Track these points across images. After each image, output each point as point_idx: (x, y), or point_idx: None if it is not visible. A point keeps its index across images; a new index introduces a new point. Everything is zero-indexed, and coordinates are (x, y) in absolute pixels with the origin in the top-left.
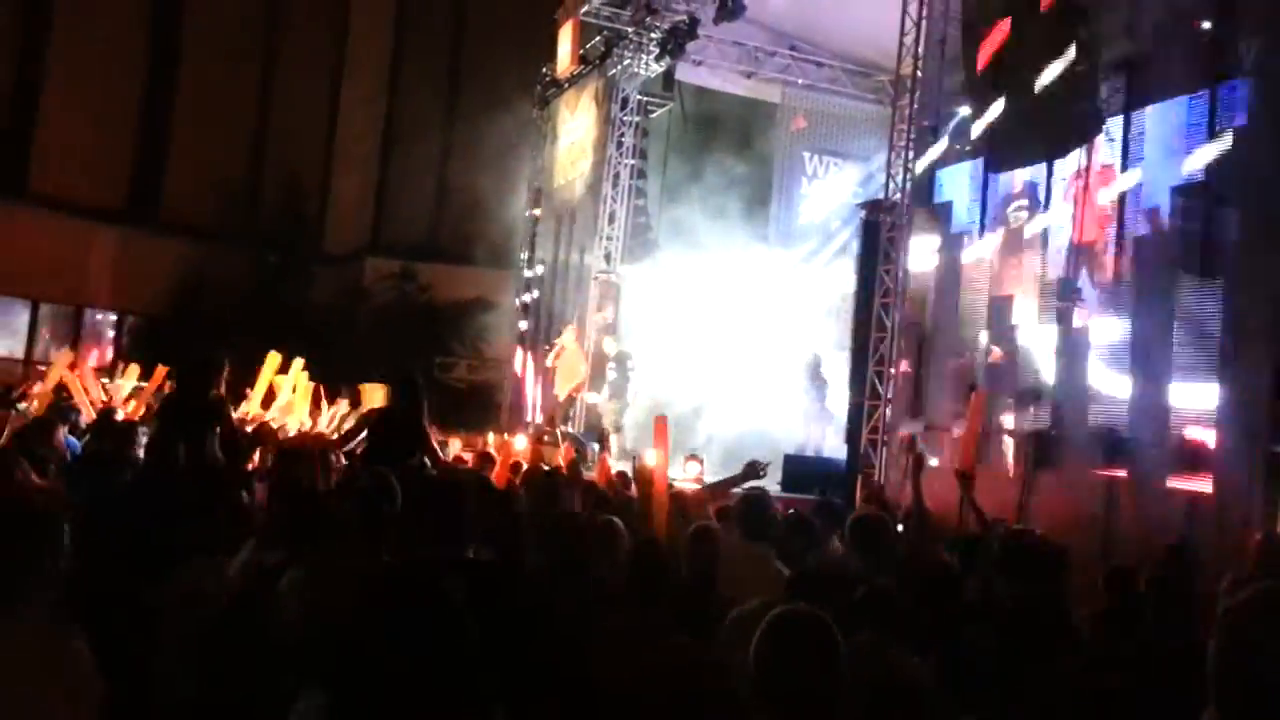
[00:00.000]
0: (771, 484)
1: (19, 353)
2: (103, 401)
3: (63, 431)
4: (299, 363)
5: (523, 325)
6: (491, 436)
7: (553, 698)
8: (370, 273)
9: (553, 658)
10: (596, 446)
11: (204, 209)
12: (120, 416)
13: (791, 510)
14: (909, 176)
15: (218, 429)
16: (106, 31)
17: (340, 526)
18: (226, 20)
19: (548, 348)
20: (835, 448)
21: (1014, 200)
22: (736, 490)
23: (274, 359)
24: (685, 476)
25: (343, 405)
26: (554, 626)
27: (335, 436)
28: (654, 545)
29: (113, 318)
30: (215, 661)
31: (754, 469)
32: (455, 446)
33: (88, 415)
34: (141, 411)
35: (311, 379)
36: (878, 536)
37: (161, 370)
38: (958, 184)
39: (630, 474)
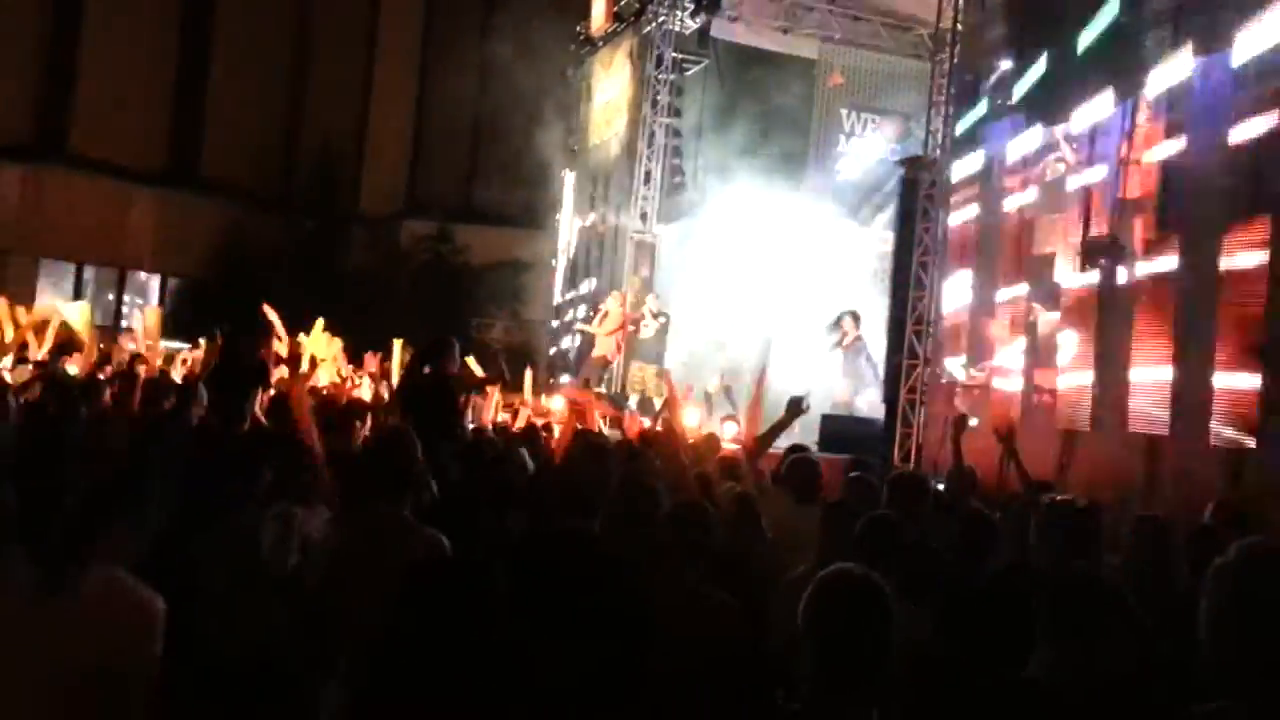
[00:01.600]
0: (810, 443)
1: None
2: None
3: None
4: (320, 324)
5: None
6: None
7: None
8: (406, 235)
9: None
10: (633, 405)
11: (242, 172)
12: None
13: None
14: (949, 132)
15: (259, 391)
16: None
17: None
18: None
19: (592, 313)
20: (875, 405)
21: (1052, 153)
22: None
23: (319, 327)
24: (725, 438)
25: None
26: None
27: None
28: (691, 506)
29: (156, 280)
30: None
31: (797, 406)
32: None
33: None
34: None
35: (349, 342)
36: (917, 495)
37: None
38: (999, 139)
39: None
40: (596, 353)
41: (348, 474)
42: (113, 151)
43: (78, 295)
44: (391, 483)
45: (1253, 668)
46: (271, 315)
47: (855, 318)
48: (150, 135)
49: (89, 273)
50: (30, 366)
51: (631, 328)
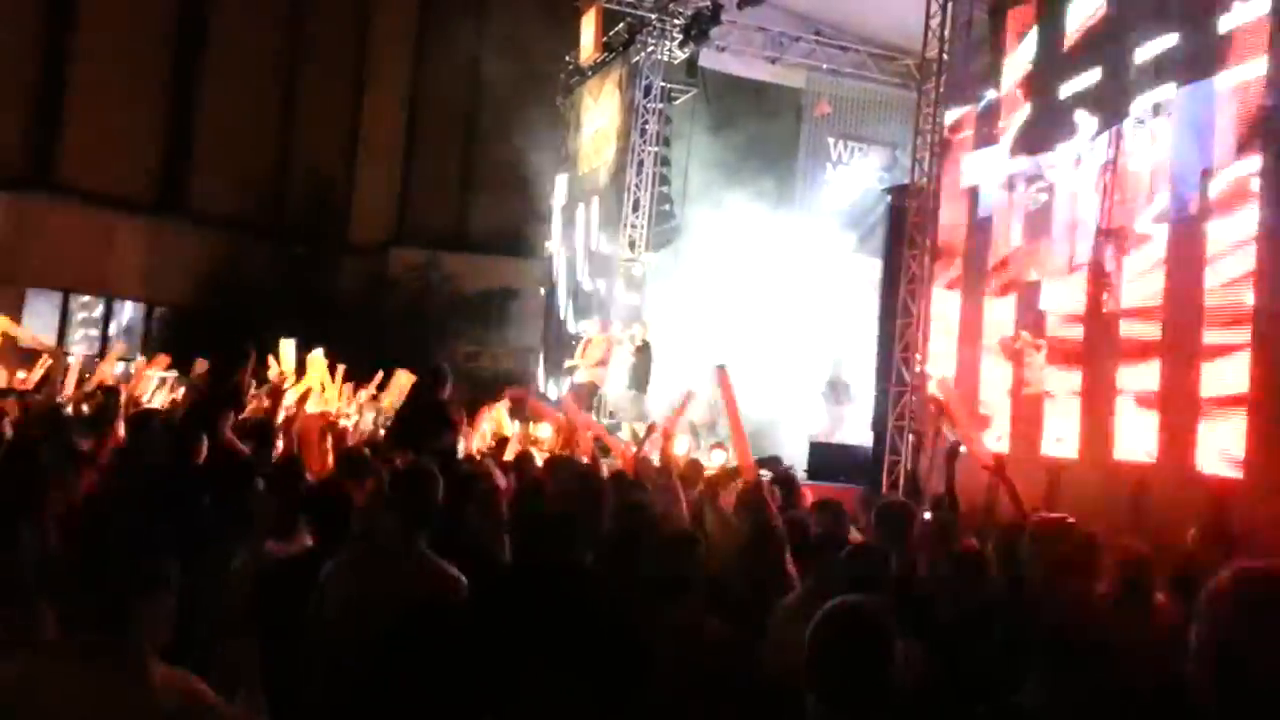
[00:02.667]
0: (798, 472)
1: (50, 343)
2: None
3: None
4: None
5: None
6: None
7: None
8: (396, 263)
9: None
10: (624, 436)
11: (231, 200)
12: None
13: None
14: (935, 161)
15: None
16: (133, 22)
17: (375, 518)
18: (252, 11)
19: (574, 340)
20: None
21: (1034, 183)
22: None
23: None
24: (712, 465)
25: (363, 394)
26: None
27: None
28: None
29: (141, 309)
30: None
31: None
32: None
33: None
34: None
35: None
36: (904, 524)
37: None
38: (986, 167)
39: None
40: (581, 379)
41: (361, 508)
42: (101, 180)
43: (64, 325)
44: (413, 519)
45: (1244, 691)
46: (288, 353)
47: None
48: (138, 164)
49: (75, 302)
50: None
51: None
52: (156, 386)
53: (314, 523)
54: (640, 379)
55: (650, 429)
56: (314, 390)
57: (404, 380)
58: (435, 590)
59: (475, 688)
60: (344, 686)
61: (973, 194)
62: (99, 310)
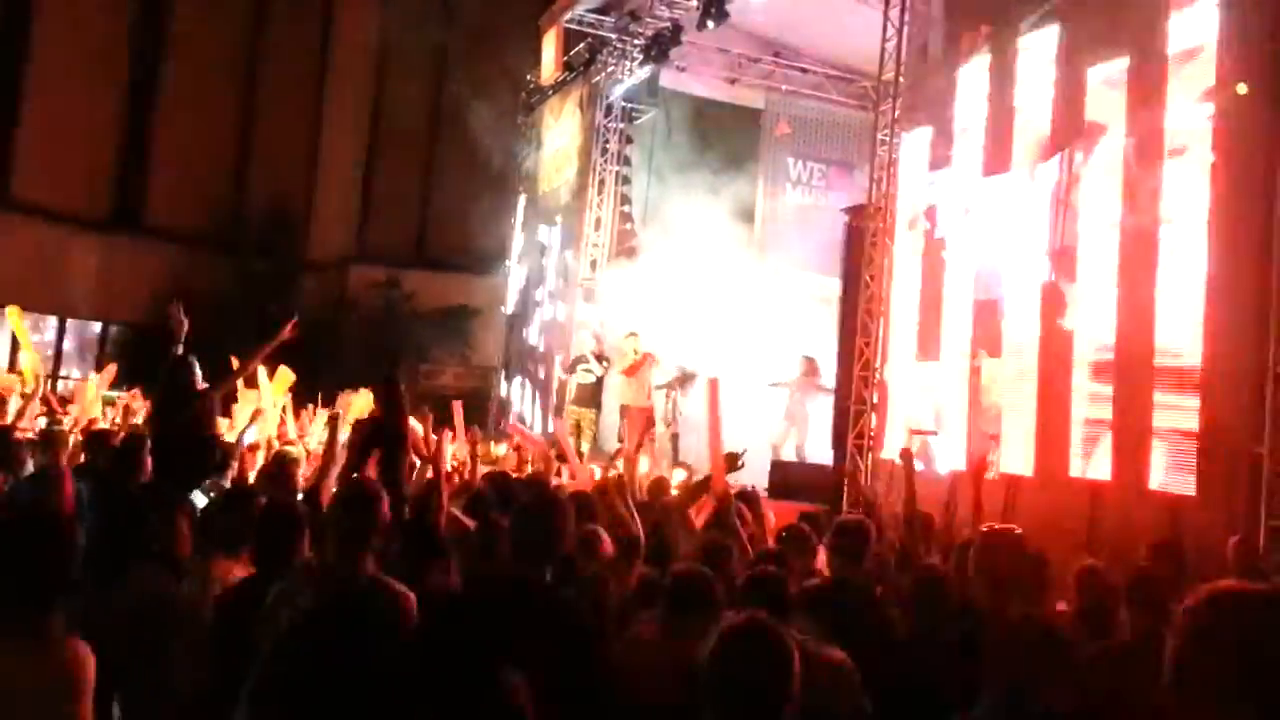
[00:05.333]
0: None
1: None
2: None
3: None
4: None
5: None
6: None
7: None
8: (355, 280)
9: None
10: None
11: (187, 216)
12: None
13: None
14: (892, 181)
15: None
16: (88, 37)
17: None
18: (210, 26)
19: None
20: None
21: (989, 204)
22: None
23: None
24: (674, 483)
25: (322, 415)
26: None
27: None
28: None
29: (96, 327)
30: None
31: (732, 461)
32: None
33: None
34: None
35: (297, 388)
36: (861, 542)
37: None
38: (942, 188)
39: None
40: (627, 400)
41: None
42: (54, 196)
43: (15, 342)
44: (353, 539)
45: (1220, 704)
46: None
47: (812, 363)
48: (93, 179)
49: (27, 320)
50: None
51: (567, 376)
52: (105, 405)
53: (258, 546)
54: (598, 397)
55: (617, 454)
56: (266, 410)
57: (361, 401)
58: (379, 608)
59: (424, 703)
60: (289, 709)
61: (929, 215)
62: (51, 328)
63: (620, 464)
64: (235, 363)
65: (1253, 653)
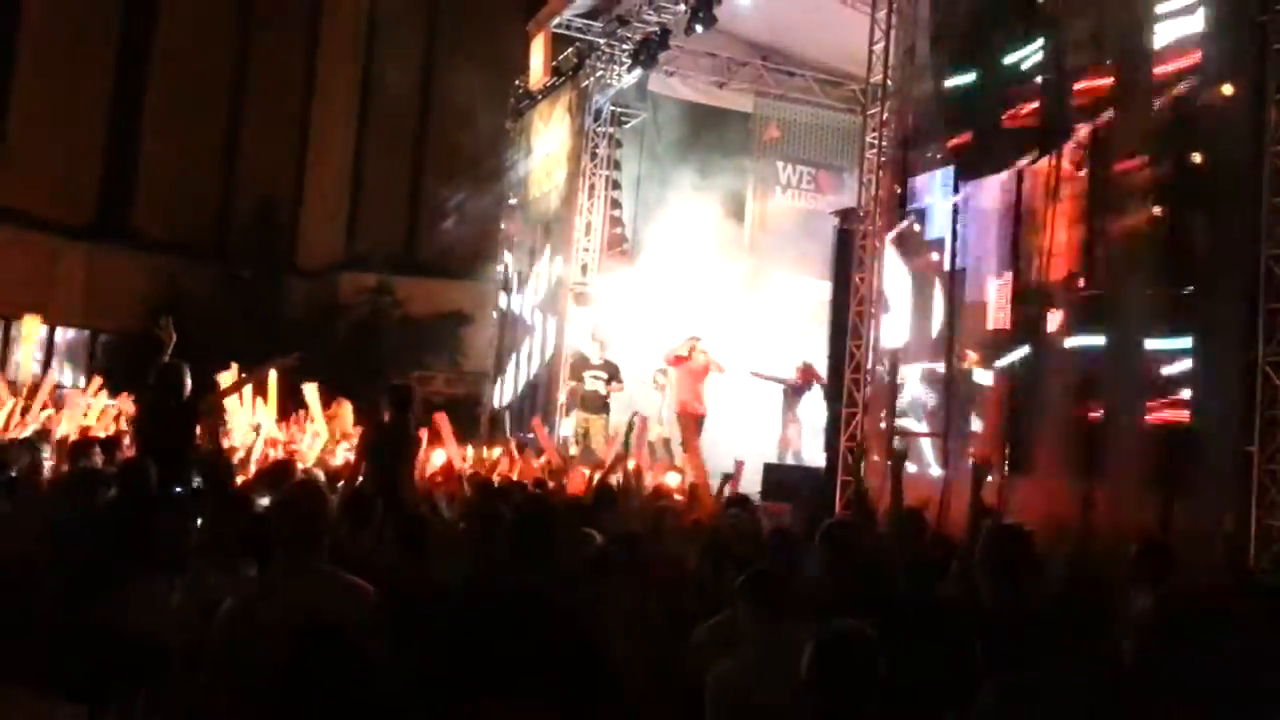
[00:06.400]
0: (752, 492)
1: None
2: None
3: None
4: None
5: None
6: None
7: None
8: (345, 287)
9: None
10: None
11: (175, 224)
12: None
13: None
14: (881, 184)
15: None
16: (75, 42)
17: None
18: (197, 33)
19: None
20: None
21: (978, 205)
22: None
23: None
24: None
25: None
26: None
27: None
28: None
29: (85, 335)
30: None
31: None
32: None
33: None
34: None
35: (286, 395)
36: (849, 543)
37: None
38: (931, 190)
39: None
40: (679, 396)
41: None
42: (41, 204)
43: (4, 351)
44: (300, 538)
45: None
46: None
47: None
48: (80, 187)
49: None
50: None
51: (574, 383)
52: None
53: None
54: (603, 402)
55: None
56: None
57: (347, 410)
58: (335, 604)
59: (389, 702)
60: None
61: (919, 216)
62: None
63: (632, 464)
64: (235, 369)
65: None
